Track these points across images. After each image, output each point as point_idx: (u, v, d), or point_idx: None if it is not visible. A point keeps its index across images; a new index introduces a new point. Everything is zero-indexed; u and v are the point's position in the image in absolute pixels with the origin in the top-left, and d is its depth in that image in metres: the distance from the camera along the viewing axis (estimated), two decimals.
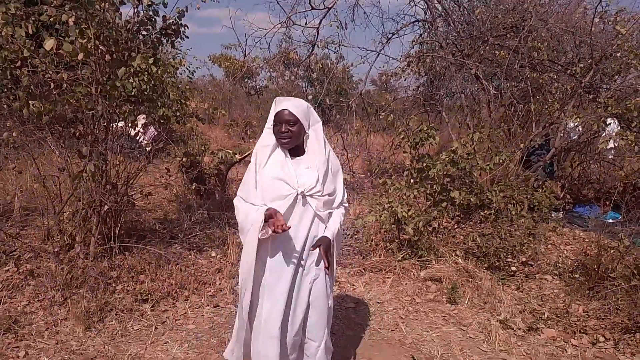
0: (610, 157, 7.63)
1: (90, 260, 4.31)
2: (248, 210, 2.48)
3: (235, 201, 2.60)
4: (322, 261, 2.54)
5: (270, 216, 2.37)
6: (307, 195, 2.49)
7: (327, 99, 8.80)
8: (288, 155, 2.52)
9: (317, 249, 2.49)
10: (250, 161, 2.59)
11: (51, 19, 3.91)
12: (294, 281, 2.54)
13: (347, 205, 2.76)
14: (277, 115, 2.45)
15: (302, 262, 2.56)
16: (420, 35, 8.68)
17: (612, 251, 4.55)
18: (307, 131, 2.53)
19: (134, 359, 3.28)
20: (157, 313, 3.88)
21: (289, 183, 2.45)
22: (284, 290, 2.51)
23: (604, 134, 6.64)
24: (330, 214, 2.64)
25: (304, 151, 2.57)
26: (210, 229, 5.56)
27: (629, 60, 6.33)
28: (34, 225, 5.06)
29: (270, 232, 2.38)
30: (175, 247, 5.02)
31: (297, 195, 2.46)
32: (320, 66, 10.52)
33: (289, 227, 2.34)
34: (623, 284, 4.02)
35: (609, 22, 6.98)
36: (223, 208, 6.57)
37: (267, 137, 2.53)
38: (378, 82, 16.15)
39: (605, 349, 3.60)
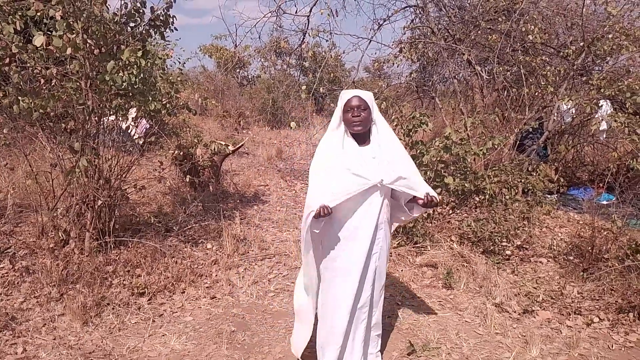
0: (602, 138, 7.65)
1: (85, 255, 4.32)
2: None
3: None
4: (385, 238, 2.82)
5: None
6: (379, 184, 2.66)
7: (321, 88, 8.75)
8: (356, 143, 2.70)
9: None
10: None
11: (38, 14, 3.87)
12: (366, 263, 2.76)
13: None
14: (347, 103, 2.64)
15: (373, 245, 2.76)
16: (412, 21, 8.62)
17: (605, 233, 4.58)
18: (373, 118, 2.71)
19: (132, 352, 3.29)
20: (154, 306, 3.89)
21: (363, 176, 2.61)
22: (358, 272, 2.73)
23: (597, 116, 6.64)
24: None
25: (369, 139, 2.74)
26: (206, 221, 5.56)
27: (621, 41, 6.32)
28: (28, 222, 5.04)
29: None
30: (171, 240, 5.02)
31: (372, 185, 2.63)
32: (312, 54, 10.45)
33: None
34: (617, 264, 4.06)
35: (600, 4, 6.96)
36: (218, 200, 6.58)
37: (332, 136, 2.72)
38: (371, 69, 16.09)
39: (600, 329, 3.64)
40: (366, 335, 2.93)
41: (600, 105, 6.65)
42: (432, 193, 2.78)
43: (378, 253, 2.81)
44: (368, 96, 2.68)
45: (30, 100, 3.94)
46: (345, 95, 2.69)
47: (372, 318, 2.96)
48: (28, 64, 4.03)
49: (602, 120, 6.10)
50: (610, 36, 6.41)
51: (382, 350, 3.18)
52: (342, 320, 2.75)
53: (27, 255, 4.38)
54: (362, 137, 2.73)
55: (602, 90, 6.09)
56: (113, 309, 3.76)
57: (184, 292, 4.14)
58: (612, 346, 3.43)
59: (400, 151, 2.79)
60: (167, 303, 3.96)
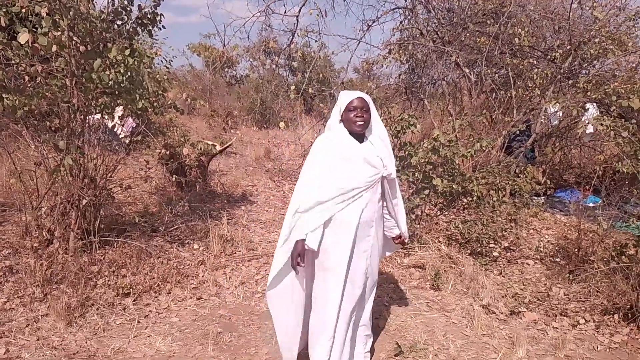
0: (588, 141, 7.71)
1: (70, 255, 4.26)
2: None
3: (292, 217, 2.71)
4: (376, 236, 2.89)
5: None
6: (384, 177, 2.79)
7: (310, 88, 8.74)
8: (357, 142, 2.76)
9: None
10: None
11: (23, 11, 3.81)
12: (358, 260, 2.79)
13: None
14: (350, 103, 2.70)
15: (364, 243, 2.80)
16: (401, 22, 8.63)
17: (591, 235, 4.62)
18: (370, 120, 2.78)
19: (116, 353, 3.25)
20: (139, 307, 3.85)
21: (375, 166, 2.73)
22: (349, 269, 2.76)
23: (583, 119, 6.70)
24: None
25: (365, 139, 2.81)
26: (192, 221, 5.52)
27: (607, 45, 6.38)
28: (12, 221, 4.97)
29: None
30: (157, 240, 4.97)
31: (379, 176, 2.75)
32: (301, 54, 10.44)
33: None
34: (602, 266, 4.09)
35: (587, 8, 7.03)
36: (205, 200, 6.54)
37: (335, 132, 2.78)
38: (360, 70, 16.10)
39: (586, 330, 3.66)
40: (354, 333, 2.94)
41: (586, 108, 6.71)
42: (406, 234, 3.07)
43: (369, 251, 2.84)
44: (368, 99, 2.76)
45: (15, 98, 3.88)
46: (347, 96, 2.74)
47: (362, 316, 2.98)
48: (12, 61, 3.96)
49: (589, 123, 6.15)
50: (596, 40, 6.48)
51: (370, 352, 3.17)
52: (332, 315, 2.76)
53: (10, 255, 4.31)
54: (359, 137, 2.78)
55: (588, 93, 6.14)
56: (98, 309, 3.71)
57: (169, 292, 4.10)
58: (598, 347, 3.45)
59: (391, 155, 2.89)
60: (152, 304, 3.92)
